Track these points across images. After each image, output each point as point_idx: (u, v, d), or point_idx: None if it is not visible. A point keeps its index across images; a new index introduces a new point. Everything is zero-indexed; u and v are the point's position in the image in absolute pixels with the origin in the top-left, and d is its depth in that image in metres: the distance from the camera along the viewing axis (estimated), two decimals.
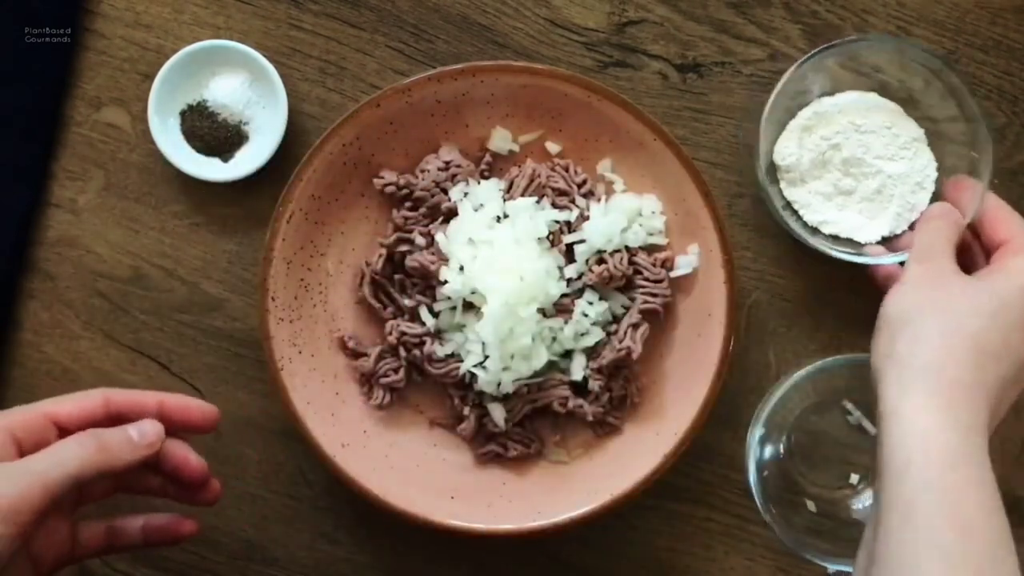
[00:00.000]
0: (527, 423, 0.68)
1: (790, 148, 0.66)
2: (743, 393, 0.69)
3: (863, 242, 0.66)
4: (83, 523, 0.59)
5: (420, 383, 0.69)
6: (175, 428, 0.58)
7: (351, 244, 0.68)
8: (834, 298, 0.69)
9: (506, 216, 0.66)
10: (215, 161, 0.69)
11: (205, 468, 0.59)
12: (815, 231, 0.67)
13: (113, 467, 0.54)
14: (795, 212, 0.67)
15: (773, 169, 0.67)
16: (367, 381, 0.68)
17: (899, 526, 0.48)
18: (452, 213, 0.67)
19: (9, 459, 0.52)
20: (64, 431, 0.55)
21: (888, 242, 0.67)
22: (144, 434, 0.56)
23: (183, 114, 0.69)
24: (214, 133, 0.69)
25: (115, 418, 0.57)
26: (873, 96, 0.67)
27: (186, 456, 0.58)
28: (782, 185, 0.67)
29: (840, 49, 0.64)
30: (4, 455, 0.52)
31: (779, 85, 0.63)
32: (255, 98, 0.69)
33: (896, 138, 0.66)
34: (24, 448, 0.53)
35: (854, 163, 0.66)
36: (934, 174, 0.66)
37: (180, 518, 0.61)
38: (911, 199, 0.66)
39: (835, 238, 0.67)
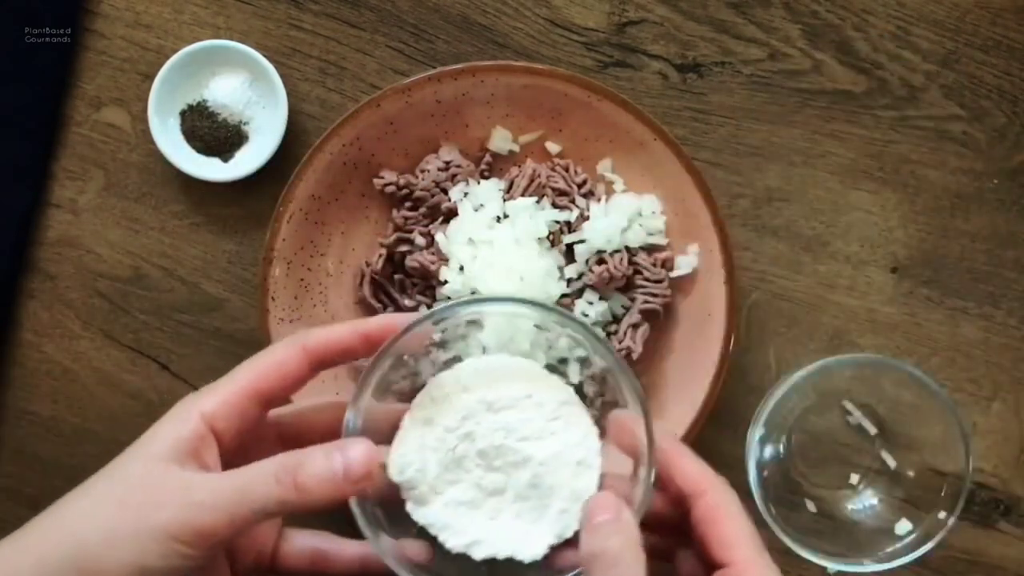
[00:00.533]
0: None
1: (407, 456, 0.50)
2: (743, 393, 0.69)
3: (526, 561, 0.50)
4: (292, 532, 0.54)
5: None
6: None
7: (351, 244, 0.68)
8: (834, 298, 0.69)
9: (506, 216, 0.66)
10: (215, 161, 0.69)
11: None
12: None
13: (310, 506, 0.46)
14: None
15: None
16: None
17: None
18: (452, 213, 0.67)
19: (212, 459, 0.47)
20: (269, 403, 0.49)
21: (558, 554, 0.50)
22: (349, 468, 0.46)
23: (183, 114, 0.69)
24: (214, 133, 0.69)
25: (322, 366, 0.50)
26: (502, 358, 0.52)
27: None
28: (408, 507, 0.50)
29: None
30: (207, 456, 0.47)
31: (372, 380, 0.49)
32: (255, 98, 0.69)
33: (540, 408, 0.50)
34: (224, 442, 0.48)
35: (495, 453, 0.50)
36: (596, 444, 0.51)
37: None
38: (575, 486, 0.50)
39: (492, 563, 0.50)
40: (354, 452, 0.46)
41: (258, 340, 0.65)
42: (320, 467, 0.46)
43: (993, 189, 0.69)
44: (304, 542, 0.54)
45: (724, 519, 0.49)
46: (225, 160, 0.69)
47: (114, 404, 0.71)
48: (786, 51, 0.69)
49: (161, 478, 0.46)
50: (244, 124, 0.69)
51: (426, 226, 0.67)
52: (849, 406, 0.69)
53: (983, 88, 0.69)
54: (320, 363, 0.50)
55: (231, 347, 0.70)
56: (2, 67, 0.69)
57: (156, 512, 0.44)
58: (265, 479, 0.45)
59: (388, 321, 0.50)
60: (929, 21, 0.69)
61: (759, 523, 0.66)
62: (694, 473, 0.50)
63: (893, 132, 0.69)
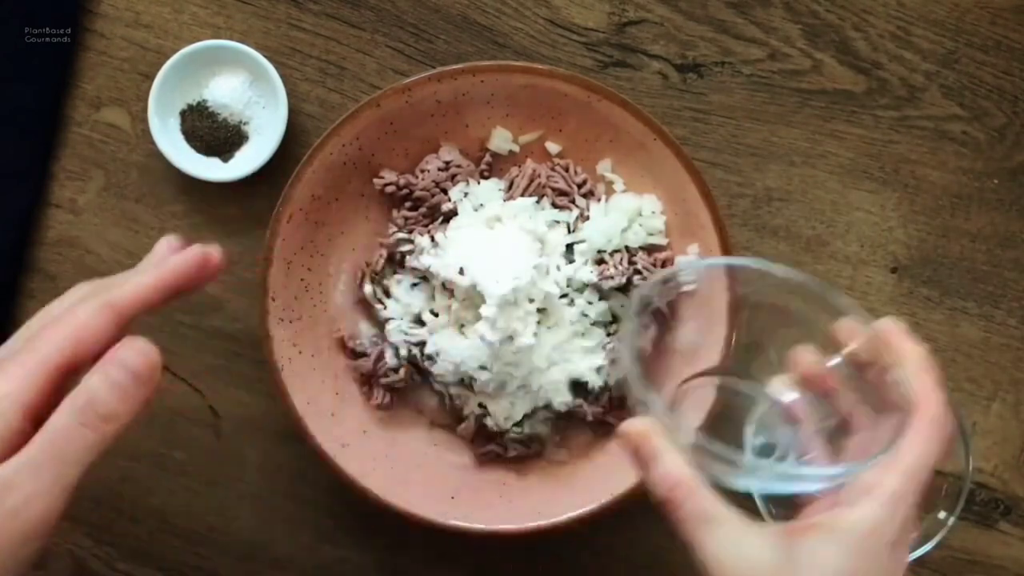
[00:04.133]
0: (527, 423, 0.68)
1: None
2: None
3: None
4: None
5: (420, 383, 0.69)
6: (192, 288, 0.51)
7: (351, 244, 0.68)
8: None
9: (506, 216, 0.66)
10: (215, 161, 0.69)
11: (222, 262, 0.52)
12: None
13: (125, 428, 0.45)
14: None
15: None
16: (367, 381, 0.68)
17: None
18: (452, 213, 0.67)
19: (22, 436, 0.44)
20: (78, 372, 0.46)
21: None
22: (137, 375, 0.45)
23: (183, 114, 0.69)
24: (214, 133, 0.69)
25: (129, 323, 0.48)
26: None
27: (202, 272, 0.51)
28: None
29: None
30: (18, 435, 0.44)
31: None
32: (255, 98, 0.69)
33: None
34: (39, 415, 0.45)
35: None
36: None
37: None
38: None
39: None
40: (128, 355, 0.45)
41: (258, 340, 0.65)
42: (109, 391, 0.45)
43: (993, 189, 0.69)
44: None
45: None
46: (225, 160, 0.69)
47: None
48: (786, 51, 0.69)
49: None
50: (244, 124, 0.69)
51: (426, 226, 0.67)
52: None
53: (983, 88, 0.69)
54: (129, 321, 0.48)
55: (231, 347, 0.70)
56: (2, 67, 0.69)
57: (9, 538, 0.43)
58: (71, 434, 0.44)
59: (193, 255, 0.50)
60: (929, 21, 0.69)
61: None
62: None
63: (893, 132, 0.69)
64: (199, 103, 0.69)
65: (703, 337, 0.55)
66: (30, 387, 0.44)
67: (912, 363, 0.48)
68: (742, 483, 0.48)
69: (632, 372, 0.47)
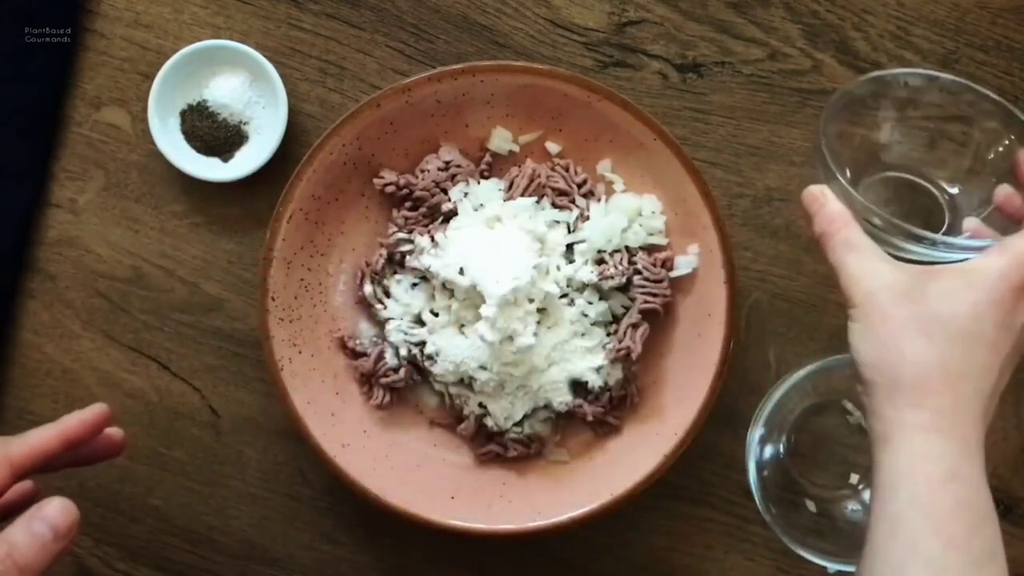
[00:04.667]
0: (527, 423, 0.68)
1: None
2: (743, 393, 0.69)
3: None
4: None
5: (420, 383, 0.69)
6: (90, 454, 0.56)
7: (351, 244, 0.68)
8: (834, 298, 0.69)
9: (506, 216, 0.66)
10: (215, 161, 0.69)
11: (122, 437, 0.57)
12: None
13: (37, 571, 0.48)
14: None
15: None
16: (367, 381, 0.68)
17: (885, 541, 0.49)
18: (452, 213, 0.67)
19: None
20: None
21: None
22: (56, 527, 0.48)
23: (183, 114, 0.69)
24: (214, 133, 0.69)
25: (25, 476, 0.52)
26: None
27: (110, 446, 0.56)
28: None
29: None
30: None
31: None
32: (255, 98, 0.69)
33: None
34: None
35: None
36: None
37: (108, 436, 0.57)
38: None
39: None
40: (51, 512, 0.48)
41: (258, 340, 0.65)
42: (29, 543, 0.47)
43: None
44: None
45: None
46: (225, 160, 0.69)
47: (114, 404, 0.70)
48: (786, 51, 0.69)
49: None
50: (244, 124, 0.69)
51: (426, 226, 0.67)
52: (849, 406, 0.69)
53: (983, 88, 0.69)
54: (25, 474, 0.51)
55: (231, 347, 0.70)
56: (2, 67, 0.69)
57: None
58: None
59: (90, 415, 0.54)
60: (929, 21, 0.69)
61: (759, 523, 0.67)
62: None
63: (893, 132, 0.69)
64: (199, 103, 0.69)
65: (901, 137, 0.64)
66: None
67: None
68: (912, 249, 0.56)
69: (820, 152, 0.56)
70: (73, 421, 0.54)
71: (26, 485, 0.54)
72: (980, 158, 0.63)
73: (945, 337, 0.51)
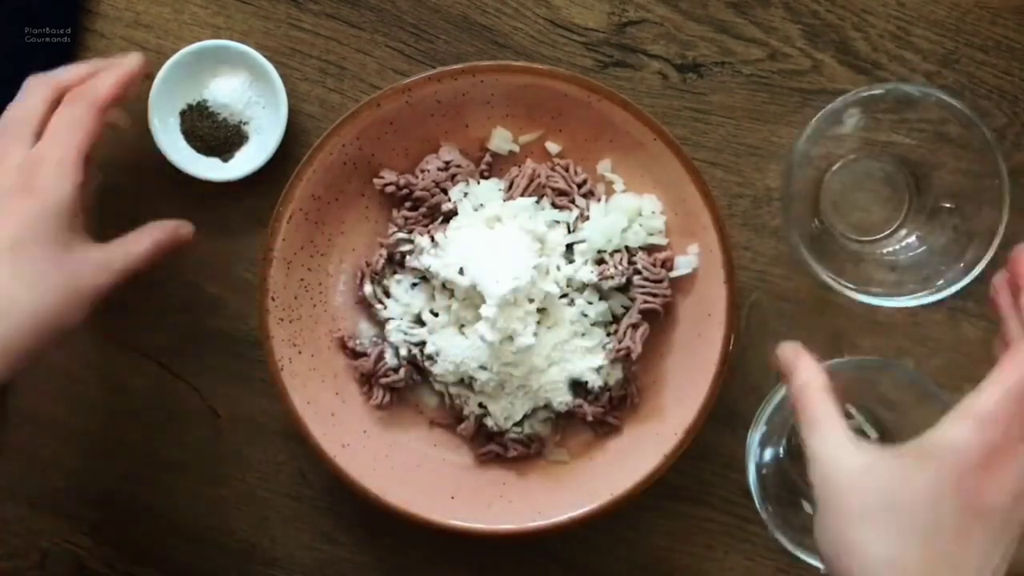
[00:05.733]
0: (527, 423, 0.68)
1: None
2: (743, 393, 0.69)
3: None
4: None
5: (420, 383, 0.69)
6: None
7: (351, 244, 0.68)
8: (834, 299, 0.69)
9: (506, 216, 0.66)
10: (215, 161, 0.69)
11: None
12: None
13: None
14: None
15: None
16: (367, 381, 0.68)
17: None
18: (452, 213, 0.67)
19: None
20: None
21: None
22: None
23: (183, 114, 0.69)
24: (214, 133, 0.69)
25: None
26: None
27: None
28: None
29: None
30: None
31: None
32: (255, 98, 0.69)
33: None
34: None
35: None
36: None
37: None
38: None
39: None
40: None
41: (258, 340, 0.65)
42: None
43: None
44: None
45: None
46: (225, 160, 0.69)
47: (114, 404, 0.71)
48: (786, 51, 0.69)
49: (77, 252, 0.59)
50: (244, 124, 0.69)
51: (426, 226, 0.67)
52: (852, 410, 0.69)
53: (983, 88, 0.69)
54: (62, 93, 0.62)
55: (231, 347, 0.70)
56: (2, 67, 0.69)
57: (77, 279, 0.58)
58: (144, 246, 0.62)
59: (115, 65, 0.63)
60: (929, 21, 0.69)
61: (759, 523, 0.67)
62: None
63: (892, 132, 0.69)
64: (199, 103, 0.69)
65: None
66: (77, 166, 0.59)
67: None
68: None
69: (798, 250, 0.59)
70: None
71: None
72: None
73: (901, 531, 0.45)
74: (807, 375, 0.53)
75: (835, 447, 0.49)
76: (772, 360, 0.56)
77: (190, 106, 0.69)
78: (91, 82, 0.61)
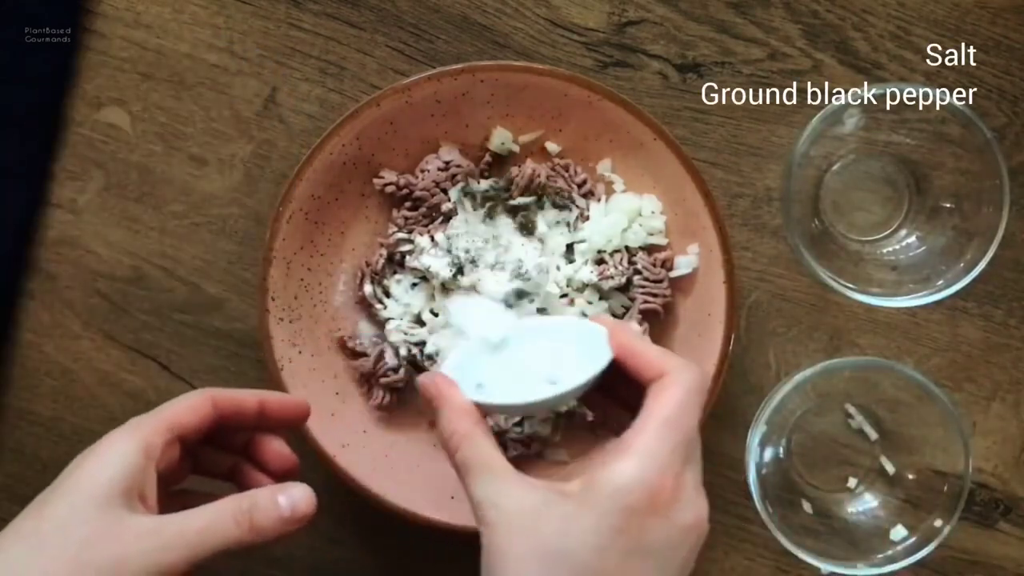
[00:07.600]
0: (527, 423, 0.68)
1: None
2: (743, 393, 0.69)
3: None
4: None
5: None
6: (272, 425, 0.56)
7: (351, 244, 0.68)
8: (834, 298, 0.69)
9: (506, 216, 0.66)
10: None
11: (296, 462, 0.56)
12: None
13: (259, 542, 0.50)
14: None
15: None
16: (367, 381, 0.68)
17: None
18: (452, 213, 0.67)
19: (151, 492, 0.50)
20: (184, 440, 0.53)
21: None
22: (295, 508, 0.50)
23: None
24: None
25: (222, 419, 0.54)
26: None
27: (279, 451, 0.56)
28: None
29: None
30: (148, 491, 0.50)
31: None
32: None
33: None
34: (158, 469, 0.51)
35: None
36: None
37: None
38: None
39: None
40: (297, 493, 0.50)
41: (258, 340, 0.65)
42: (271, 510, 0.50)
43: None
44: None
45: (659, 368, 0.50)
46: None
47: (114, 404, 0.71)
48: (786, 51, 0.69)
49: (115, 523, 0.48)
50: None
51: (426, 226, 0.67)
52: (852, 410, 0.69)
53: (983, 88, 0.69)
54: (222, 415, 0.54)
55: (231, 347, 0.70)
56: (2, 67, 0.69)
57: (119, 561, 0.47)
58: (224, 521, 0.49)
59: (289, 400, 0.56)
60: (929, 21, 0.69)
61: (759, 523, 0.67)
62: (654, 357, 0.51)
63: (892, 132, 0.69)
64: None
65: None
66: (153, 434, 0.51)
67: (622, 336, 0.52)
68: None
69: (798, 250, 0.60)
70: (273, 398, 0.56)
71: (288, 457, 0.56)
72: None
73: (567, 574, 0.44)
74: (454, 420, 0.50)
75: (498, 491, 0.47)
76: (421, 391, 0.53)
77: None
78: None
